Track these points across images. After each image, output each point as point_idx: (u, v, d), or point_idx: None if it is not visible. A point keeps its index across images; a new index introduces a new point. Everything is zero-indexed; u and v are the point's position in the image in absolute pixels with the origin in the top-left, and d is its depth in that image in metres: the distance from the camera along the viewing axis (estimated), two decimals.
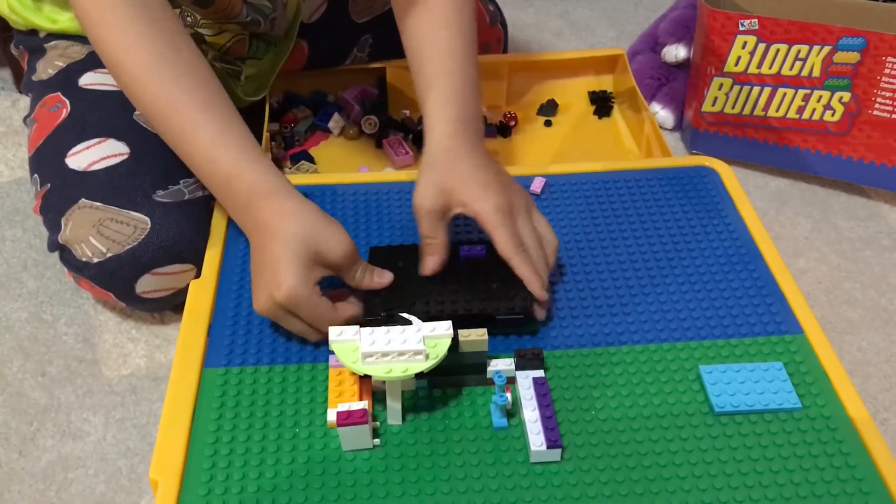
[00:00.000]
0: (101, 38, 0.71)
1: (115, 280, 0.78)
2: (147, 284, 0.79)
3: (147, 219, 0.77)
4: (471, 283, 0.70)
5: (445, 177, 0.69)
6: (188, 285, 0.74)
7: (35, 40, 0.94)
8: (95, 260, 0.77)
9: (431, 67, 0.75)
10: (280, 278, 0.64)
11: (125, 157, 0.80)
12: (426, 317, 0.63)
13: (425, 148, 0.73)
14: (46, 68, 0.92)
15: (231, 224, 0.80)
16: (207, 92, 0.71)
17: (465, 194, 0.68)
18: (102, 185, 0.78)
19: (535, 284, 0.67)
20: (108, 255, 0.77)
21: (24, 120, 0.94)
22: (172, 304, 0.83)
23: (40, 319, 0.88)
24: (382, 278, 0.68)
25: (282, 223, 0.66)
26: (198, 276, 0.76)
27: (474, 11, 0.79)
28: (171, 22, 0.71)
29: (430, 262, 0.69)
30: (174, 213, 0.77)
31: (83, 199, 0.78)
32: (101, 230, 0.77)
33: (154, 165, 0.80)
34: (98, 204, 0.77)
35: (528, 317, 0.68)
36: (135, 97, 0.72)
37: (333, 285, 0.70)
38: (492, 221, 0.67)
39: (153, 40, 0.70)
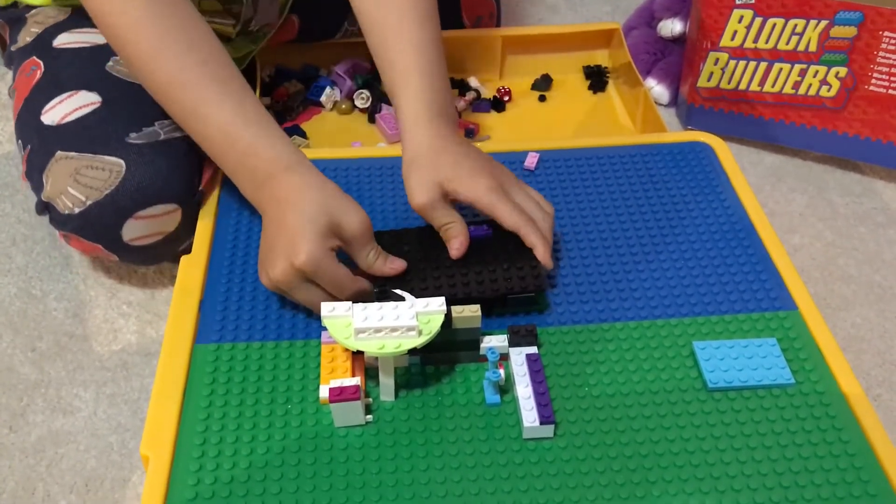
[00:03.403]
0: (105, 19, 0.71)
1: (100, 228, 0.77)
2: (133, 230, 0.77)
3: (121, 161, 0.76)
4: (479, 263, 0.69)
5: (433, 173, 0.70)
6: (175, 229, 0.75)
7: (15, 12, 0.93)
8: (77, 210, 0.76)
9: (398, 59, 0.76)
10: (299, 245, 0.63)
11: (97, 105, 0.79)
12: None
13: (405, 150, 0.73)
14: (25, 37, 0.91)
15: (221, 199, 0.80)
16: (219, 66, 0.71)
17: (455, 183, 0.69)
18: (76, 135, 0.77)
19: (545, 254, 0.68)
20: (88, 202, 0.75)
21: (9, 91, 0.93)
22: (164, 254, 0.82)
23: (29, 294, 0.87)
24: (395, 264, 0.68)
25: (301, 195, 0.66)
26: (188, 251, 0.75)
27: None
28: None
29: (457, 245, 0.69)
30: (149, 154, 0.76)
31: (59, 152, 0.77)
32: (78, 178, 0.76)
33: (126, 110, 0.79)
34: (73, 154, 0.76)
35: (539, 294, 0.68)
36: (143, 77, 0.72)
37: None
38: (489, 202, 0.69)
39: (158, 16, 0.70)
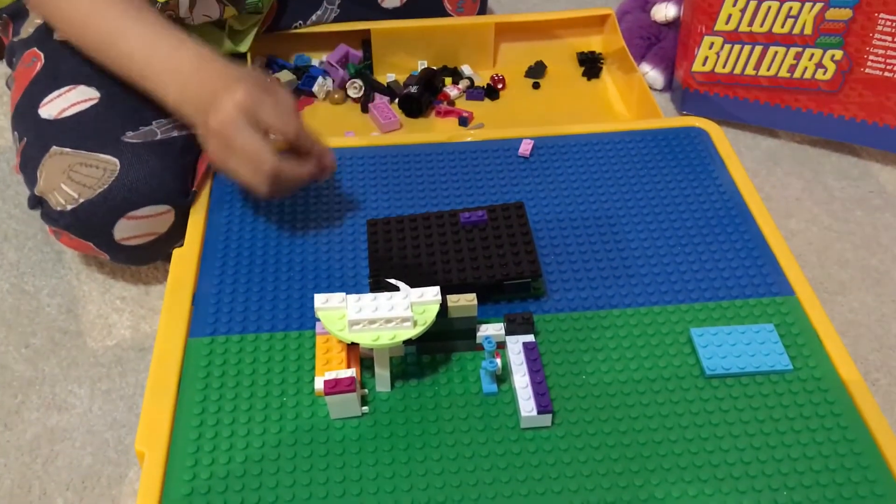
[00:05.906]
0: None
1: (91, 227, 0.76)
2: (125, 230, 0.77)
3: (116, 160, 0.75)
4: (475, 249, 0.69)
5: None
6: (168, 231, 0.76)
7: (17, 6, 0.93)
8: (69, 207, 0.75)
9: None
10: (235, 83, 0.68)
11: (95, 101, 0.79)
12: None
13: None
14: (28, 28, 0.91)
15: (213, 192, 0.79)
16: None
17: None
18: (72, 131, 0.77)
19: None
20: (81, 200, 0.75)
21: (7, 82, 0.92)
22: (156, 255, 0.82)
23: (22, 290, 0.86)
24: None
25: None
26: (180, 244, 0.75)
27: None
28: None
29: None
30: (144, 154, 0.76)
31: (54, 147, 0.76)
32: (72, 175, 0.75)
33: (124, 108, 0.78)
34: (68, 150, 0.76)
35: (535, 279, 0.68)
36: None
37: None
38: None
39: None
